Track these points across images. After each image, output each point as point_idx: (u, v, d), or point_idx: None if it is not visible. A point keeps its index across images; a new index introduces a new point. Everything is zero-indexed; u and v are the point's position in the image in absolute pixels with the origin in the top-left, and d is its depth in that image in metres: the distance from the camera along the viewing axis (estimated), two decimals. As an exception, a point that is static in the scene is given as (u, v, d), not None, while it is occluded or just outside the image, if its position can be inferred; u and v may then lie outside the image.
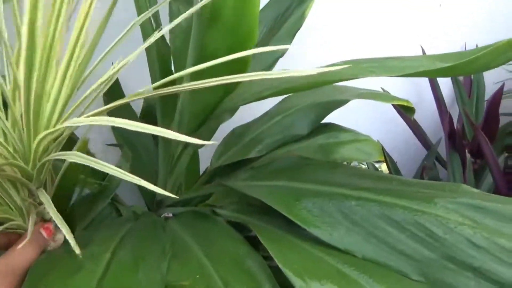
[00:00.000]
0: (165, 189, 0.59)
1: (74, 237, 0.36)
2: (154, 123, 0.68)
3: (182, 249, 0.37)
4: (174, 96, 0.47)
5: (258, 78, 0.30)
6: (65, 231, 0.26)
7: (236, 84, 0.44)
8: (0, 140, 0.27)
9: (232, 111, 0.58)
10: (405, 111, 0.50)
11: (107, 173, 0.59)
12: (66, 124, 0.27)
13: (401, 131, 0.93)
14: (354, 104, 0.71)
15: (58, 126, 0.28)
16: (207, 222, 0.43)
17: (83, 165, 0.42)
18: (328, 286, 0.33)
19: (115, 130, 0.63)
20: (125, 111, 0.64)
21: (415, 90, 0.98)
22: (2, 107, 0.29)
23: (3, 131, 0.28)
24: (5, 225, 0.30)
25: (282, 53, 0.63)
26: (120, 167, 0.56)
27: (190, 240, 0.39)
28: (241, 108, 0.66)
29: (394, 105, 0.84)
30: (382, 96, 0.58)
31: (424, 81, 0.94)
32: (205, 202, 0.55)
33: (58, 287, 0.27)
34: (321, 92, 0.63)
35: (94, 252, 0.31)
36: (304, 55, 0.81)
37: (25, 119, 0.28)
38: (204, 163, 0.70)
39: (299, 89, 0.42)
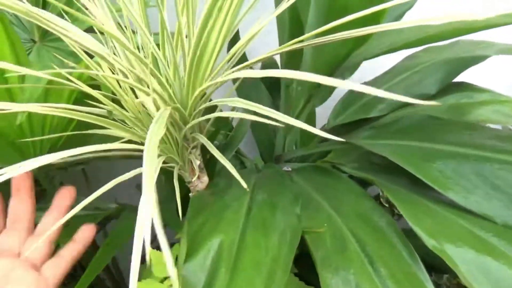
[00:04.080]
0: (284, 145, 0.62)
1: (214, 181, 0.40)
2: (273, 85, 0.69)
3: (308, 200, 0.38)
4: (300, 55, 0.47)
5: (394, 28, 0.28)
6: (228, 166, 0.29)
7: (367, 37, 0.42)
8: (163, 81, 0.30)
9: (354, 67, 0.56)
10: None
11: (232, 127, 0.62)
12: (232, 75, 0.29)
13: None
14: (490, 64, 0.63)
15: (224, 77, 0.30)
16: (329, 177, 0.43)
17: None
18: (464, 249, 0.31)
19: (238, 89, 0.66)
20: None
21: None
22: (163, 57, 0.32)
23: (166, 78, 0.32)
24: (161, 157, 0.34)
25: (410, 6, 0.59)
26: (243, 123, 0.60)
27: (314, 192, 0.40)
28: (361, 67, 0.64)
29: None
30: (532, 51, 0.50)
31: None
32: (323, 159, 0.55)
33: (213, 220, 0.30)
34: (455, 47, 0.57)
35: (236, 195, 0.34)
36: (434, 8, 0.74)
37: (188, 68, 0.31)
38: (320, 122, 0.70)
39: (434, 40, 0.39)
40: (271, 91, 0.68)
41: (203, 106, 0.32)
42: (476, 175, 0.36)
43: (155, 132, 0.22)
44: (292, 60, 0.48)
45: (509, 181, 0.34)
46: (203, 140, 0.32)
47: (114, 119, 0.34)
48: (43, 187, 0.55)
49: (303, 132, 0.66)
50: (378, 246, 0.32)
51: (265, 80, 0.69)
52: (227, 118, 0.62)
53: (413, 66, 0.57)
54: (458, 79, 0.56)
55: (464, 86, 0.55)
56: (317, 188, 0.41)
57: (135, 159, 0.45)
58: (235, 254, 0.28)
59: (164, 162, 0.35)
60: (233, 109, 0.45)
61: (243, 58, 0.67)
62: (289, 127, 0.55)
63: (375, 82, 0.60)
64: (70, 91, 0.36)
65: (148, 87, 0.30)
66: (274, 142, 0.63)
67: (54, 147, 0.47)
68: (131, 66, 0.30)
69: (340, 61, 0.43)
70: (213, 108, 0.43)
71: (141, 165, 0.47)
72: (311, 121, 0.65)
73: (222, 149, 0.55)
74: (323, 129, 0.64)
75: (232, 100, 0.29)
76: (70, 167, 0.56)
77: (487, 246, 0.32)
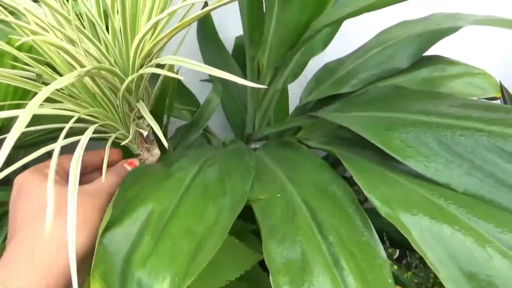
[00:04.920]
0: (253, 124, 0.60)
1: (167, 155, 0.38)
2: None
3: (265, 172, 0.37)
4: (262, 23, 0.45)
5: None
6: (157, 130, 0.27)
7: (325, 5, 0.41)
8: (102, 50, 0.29)
9: (325, 41, 0.55)
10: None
11: (199, 104, 0.60)
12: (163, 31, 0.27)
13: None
14: (464, 38, 0.61)
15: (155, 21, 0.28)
16: (291, 150, 0.42)
17: (173, 87, 0.43)
18: (419, 216, 0.30)
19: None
20: (216, 48, 0.65)
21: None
22: (103, 20, 0.30)
23: (105, 43, 0.30)
24: (116, 134, 0.33)
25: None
26: (210, 101, 0.58)
27: (273, 164, 0.38)
28: (335, 44, 0.62)
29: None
30: (506, 22, 0.49)
31: None
32: (294, 136, 0.54)
33: (150, 188, 0.29)
34: (428, 21, 0.55)
35: (184, 165, 0.33)
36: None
37: (123, 31, 0.29)
38: (295, 102, 0.69)
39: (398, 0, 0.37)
40: (245, 70, 0.66)
41: (144, 68, 0.30)
42: (438, 143, 0.35)
43: (60, 81, 0.21)
44: (255, 32, 0.46)
45: (470, 147, 0.33)
46: (140, 106, 0.30)
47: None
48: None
49: (276, 110, 0.64)
50: (330, 215, 0.31)
51: (238, 59, 0.67)
52: (192, 95, 0.60)
53: (385, 40, 0.56)
54: (436, 52, 0.55)
55: (437, 60, 0.53)
56: (277, 161, 0.39)
57: (102, 141, 0.43)
58: (166, 222, 0.26)
59: (106, 132, 0.33)
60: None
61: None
62: (257, 103, 0.54)
63: (348, 58, 0.58)
64: (12, 60, 0.34)
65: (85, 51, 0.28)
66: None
67: (7, 124, 0.45)
68: (61, 27, 0.28)
69: (302, 28, 0.42)
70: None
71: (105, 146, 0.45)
72: (283, 98, 0.64)
73: (189, 127, 0.53)
74: (296, 107, 0.63)
75: (163, 59, 0.28)
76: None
77: (444, 214, 0.30)
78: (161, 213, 0.27)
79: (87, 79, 0.30)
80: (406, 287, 0.51)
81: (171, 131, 0.58)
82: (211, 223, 0.26)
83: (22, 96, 0.41)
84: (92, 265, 0.24)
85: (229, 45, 0.70)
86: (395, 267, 0.43)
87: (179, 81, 0.60)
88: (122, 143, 0.32)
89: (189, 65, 0.26)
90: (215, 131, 0.64)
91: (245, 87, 0.61)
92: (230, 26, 0.70)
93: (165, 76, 0.35)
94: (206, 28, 0.66)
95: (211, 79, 0.63)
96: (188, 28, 0.32)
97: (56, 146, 0.26)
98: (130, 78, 0.28)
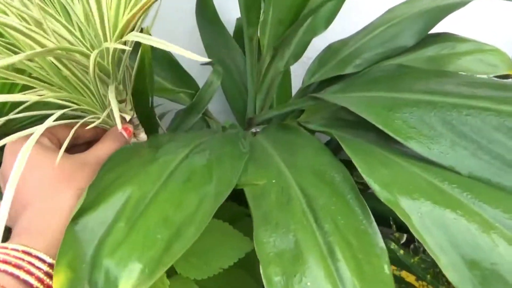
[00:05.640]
0: (255, 107, 0.58)
1: (157, 138, 0.37)
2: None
3: (262, 156, 0.36)
4: (258, 2, 0.43)
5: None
6: (116, 112, 0.26)
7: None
8: (77, 35, 0.28)
9: (328, 19, 0.52)
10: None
11: (199, 88, 0.58)
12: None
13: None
14: (473, 15, 0.58)
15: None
16: (291, 133, 0.40)
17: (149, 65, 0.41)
18: (420, 201, 0.28)
19: (208, 49, 0.63)
20: (216, 30, 0.63)
21: None
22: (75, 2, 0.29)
23: (79, 27, 0.28)
24: (88, 117, 0.32)
25: None
26: (210, 83, 0.56)
27: (271, 148, 0.37)
28: (339, 25, 0.59)
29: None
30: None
31: None
32: (296, 120, 0.52)
33: (132, 172, 0.28)
34: (435, -3, 0.53)
35: (172, 149, 0.31)
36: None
37: (97, 11, 0.28)
38: (298, 85, 0.67)
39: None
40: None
41: (112, 43, 0.28)
42: (443, 124, 0.33)
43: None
44: (252, 11, 0.44)
45: (476, 127, 0.31)
46: (110, 88, 0.29)
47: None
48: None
49: (278, 94, 0.62)
50: (327, 202, 0.29)
51: (239, 41, 0.65)
52: (191, 78, 0.58)
53: (391, 19, 0.53)
54: (443, 31, 0.52)
55: (445, 37, 0.50)
56: (275, 145, 0.38)
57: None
58: (144, 208, 0.25)
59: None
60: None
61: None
62: (257, 85, 0.52)
63: (352, 38, 0.56)
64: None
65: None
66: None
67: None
68: (28, 9, 0.26)
69: (300, 5, 0.40)
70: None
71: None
72: (286, 81, 0.62)
73: (188, 111, 0.52)
74: (299, 90, 0.61)
75: (128, 36, 0.26)
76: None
77: (447, 198, 0.29)
78: (140, 199, 0.25)
79: (55, 62, 0.29)
80: (413, 272, 0.50)
81: (172, 116, 0.57)
82: (191, 211, 0.25)
83: (9, 89, 0.40)
84: (58, 254, 0.23)
85: (231, 27, 0.68)
86: (402, 251, 0.42)
87: (177, 64, 0.59)
88: (91, 125, 0.31)
89: (151, 42, 0.25)
90: (216, 115, 0.62)
91: (246, 69, 0.59)
92: (230, 7, 0.67)
93: (140, 54, 0.33)
94: (205, 9, 0.64)
95: (212, 62, 0.61)
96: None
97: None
98: (94, 53, 0.26)
